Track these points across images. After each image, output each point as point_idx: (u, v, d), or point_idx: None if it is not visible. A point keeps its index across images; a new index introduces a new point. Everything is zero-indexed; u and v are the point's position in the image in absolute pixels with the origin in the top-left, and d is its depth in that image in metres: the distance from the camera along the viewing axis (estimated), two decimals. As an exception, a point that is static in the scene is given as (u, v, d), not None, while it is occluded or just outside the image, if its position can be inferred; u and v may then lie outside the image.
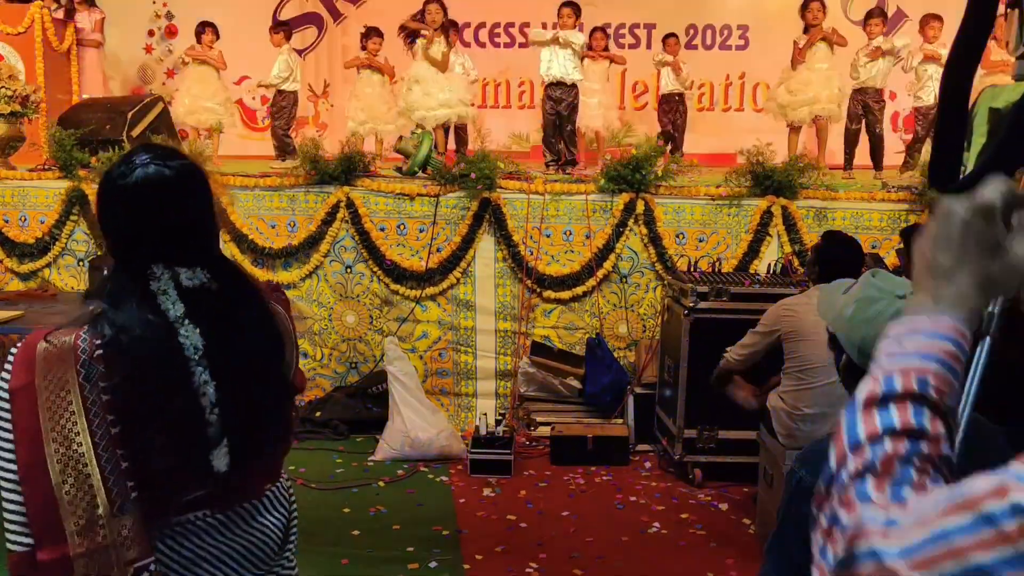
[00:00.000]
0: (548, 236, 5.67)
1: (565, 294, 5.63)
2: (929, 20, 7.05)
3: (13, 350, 1.44)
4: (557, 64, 6.88)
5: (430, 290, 5.68)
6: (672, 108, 8.07)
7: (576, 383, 5.45)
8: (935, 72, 6.79)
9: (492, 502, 4.53)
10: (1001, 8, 1.31)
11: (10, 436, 1.41)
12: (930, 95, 7.02)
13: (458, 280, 5.67)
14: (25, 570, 1.40)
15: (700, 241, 5.63)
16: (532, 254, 5.61)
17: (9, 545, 1.40)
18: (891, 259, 5.14)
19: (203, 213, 1.56)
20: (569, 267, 5.64)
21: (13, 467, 1.40)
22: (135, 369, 1.42)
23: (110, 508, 1.40)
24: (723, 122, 9.76)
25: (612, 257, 5.59)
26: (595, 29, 7.75)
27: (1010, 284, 0.82)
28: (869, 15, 7.20)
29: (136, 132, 6.46)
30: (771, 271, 5.20)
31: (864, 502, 0.73)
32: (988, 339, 0.87)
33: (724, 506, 4.52)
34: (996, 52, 6.34)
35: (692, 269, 5.25)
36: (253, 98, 10.10)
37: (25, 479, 1.39)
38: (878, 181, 6.28)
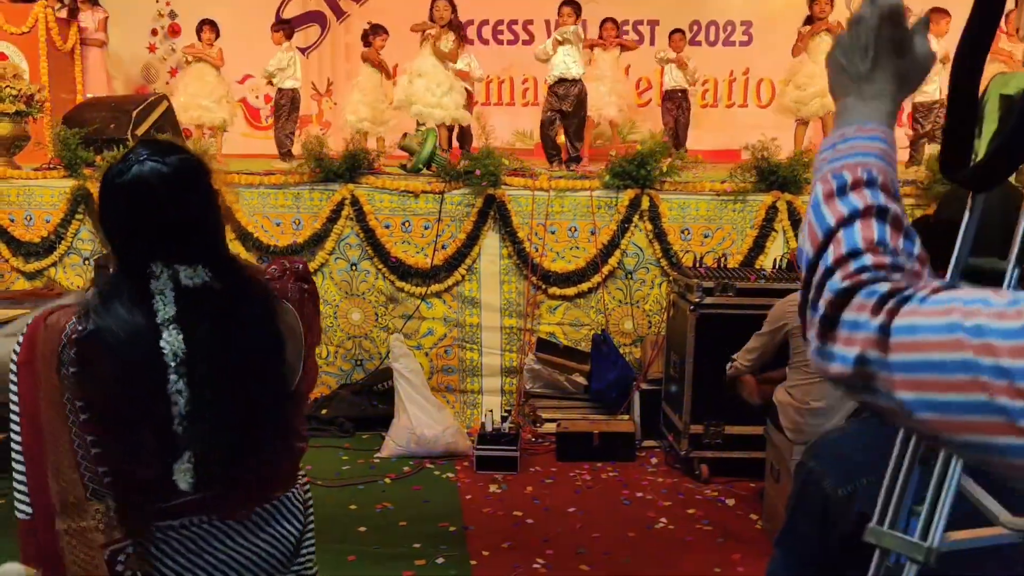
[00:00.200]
0: (553, 233, 5.66)
1: (570, 290, 5.63)
2: (936, 14, 7.01)
3: (28, 320, 1.48)
4: (559, 62, 6.86)
5: (435, 287, 5.68)
6: (676, 104, 8.06)
7: (582, 379, 5.45)
8: (941, 67, 6.76)
9: (498, 498, 4.53)
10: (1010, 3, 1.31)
11: (18, 409, 1.44)
12: (935, 89, 6.99)
13: (463, 277, 5.67)
14: (26, 537, 1.44)
15: (705, 237, 5.62)
16: (537, 251, 5.60)
17: (16, 512, 1.45)
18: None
19: (204, 209, 1.50)
20: (574, 263, 5.63)
21: (19, 438, 1.44)
22: (106, 367, 1.40)
23: (84, 492, 1.42)
24: (727, 118, 9.73)
25: (617, 253, 5.58)
26: (606, 19, 7.83)
27: (918, 78, 0.93)
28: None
29: (141, 131, 6.45)
30: (776, 266, 5.19)
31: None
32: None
33: (731, 501, 4.51)
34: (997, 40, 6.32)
35: (697, 265, 5.24)
36: (256, 97, 10.11)
37: (25, 452, 1.43)
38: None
